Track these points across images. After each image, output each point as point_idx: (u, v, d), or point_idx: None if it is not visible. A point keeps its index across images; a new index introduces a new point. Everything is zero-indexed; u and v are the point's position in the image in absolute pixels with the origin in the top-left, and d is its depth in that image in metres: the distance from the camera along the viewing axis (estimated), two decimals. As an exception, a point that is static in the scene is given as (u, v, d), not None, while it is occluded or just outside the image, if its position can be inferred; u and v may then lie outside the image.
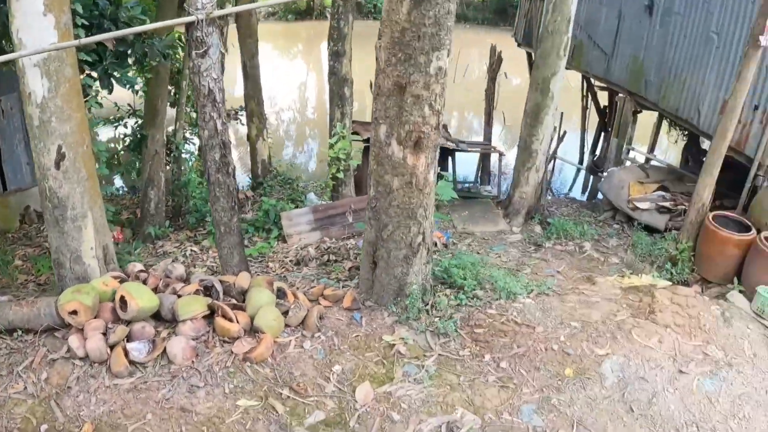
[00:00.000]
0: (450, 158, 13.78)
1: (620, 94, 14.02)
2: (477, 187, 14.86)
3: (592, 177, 16.35)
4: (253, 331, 6.71)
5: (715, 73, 10.78)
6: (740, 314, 7.76)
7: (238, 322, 6.61)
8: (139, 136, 11.72)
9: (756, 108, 9.77)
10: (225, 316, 6.61)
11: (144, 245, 11.05)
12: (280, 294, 7.24)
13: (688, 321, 7.26)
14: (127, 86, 8.51)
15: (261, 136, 14.86)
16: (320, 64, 33.65)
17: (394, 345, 6.75)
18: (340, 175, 11.30)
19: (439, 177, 9.01)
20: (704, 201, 9.04)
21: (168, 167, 11.43)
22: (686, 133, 15.03)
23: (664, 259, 9.53)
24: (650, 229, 11.49)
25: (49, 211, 6.75)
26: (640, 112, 14.71)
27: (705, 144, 13.81)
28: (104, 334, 6.31)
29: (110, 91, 8.33)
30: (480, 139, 16.42)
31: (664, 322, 7.20)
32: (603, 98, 16.83)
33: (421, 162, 6.44)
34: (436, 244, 10.03)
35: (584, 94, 17.49)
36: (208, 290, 7.14)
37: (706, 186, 8.97)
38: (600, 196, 13.74)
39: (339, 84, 11.79)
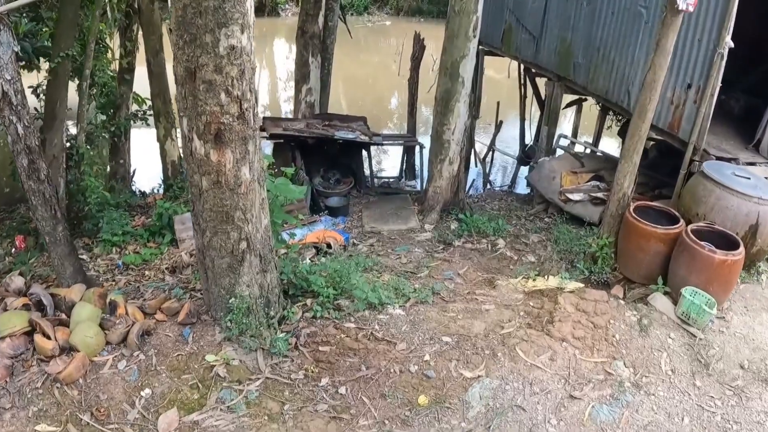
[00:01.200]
0: (365, 152, 12.60)
1: (550, 79, 12.93)
2: (399, 182, 13.71)
3: (525, 168, 15.30)
4: (70, 349, 5.88)
5: (645, 51, 9.72)
6: (661, 321, 6.71)
7: (56, 339, 5.81)
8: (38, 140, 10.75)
9: (689, 87, 8.74)
10: (43, 333, 5.85)
11: (41, 254, 10.11)
12: (112, 308, 6.32)
13: (592, 332, 6.15)
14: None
15: (169, 137, 13.79)
16: (273, 62, 32.85)
17: (214, 366, 5.66)
18: None
19: (290, 176, 7.75)
20: (625, 190, 7.94)
21: (69, 172, 10.39)
22: (620, 117, 14.01)
23: (583, 256, 8.43)
24: (584, 222, 10.46)
25: None
26: (578, 102, 13.72)
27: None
28: None
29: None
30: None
31: (561, 333, 6.08)
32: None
33: (227, 158, 5.43)
34: (330, 246, 8.91)
35: (522, 81, 16.38)
36: (40, 304, 6.36)
37: (627, 174, 7.88)
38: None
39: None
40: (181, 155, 12.00)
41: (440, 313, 6.41)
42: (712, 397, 5.66)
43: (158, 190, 14.00)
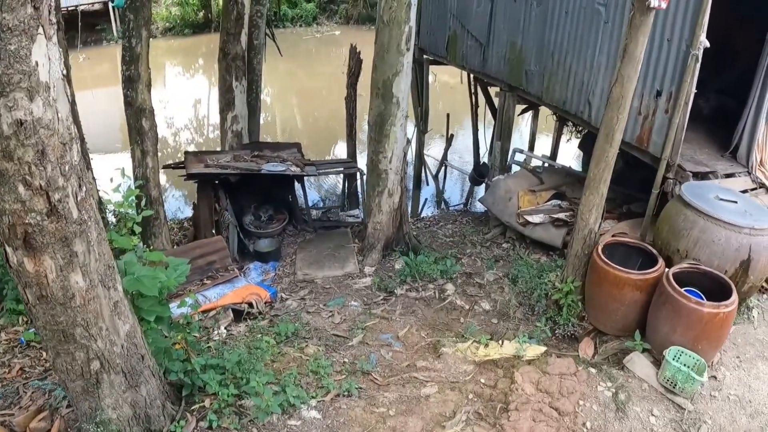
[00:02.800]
0: (300, 185, 11.25)
1: (501, 89, 11.71)
2: (340, 213, 12.35)
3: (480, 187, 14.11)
4: None
5: (606, 55, 8.57)
6: (642, 391, 5.51)
7: None
8: None
9: (659, 94, 7.59)
10: None
11: None
12: None
13: (556, 425, 4.87)
14: None
15: None
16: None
17: None
18: (137, 229, 8.69)
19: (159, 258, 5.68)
20: (591, 227, 6.69)
21: None
22: (580, 129, 12.86)
23: (545, 301, 7.22)
24: (546, 247, 9.30)
25: None
26: (530, 109, 12.55)
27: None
28: None
29: None
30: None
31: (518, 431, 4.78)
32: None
33: (46, 267, 4.07)
34: (252, 305, 7.59)
35: (472, 90, 15.17)
36: None
37: (593, 207, 6.63)
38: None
39: (135, 116, 9.30)
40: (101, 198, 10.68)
41: (367, 410, 5.10)
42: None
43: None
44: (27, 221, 3.85)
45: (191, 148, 19.55)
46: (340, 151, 19.40)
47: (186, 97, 26.40)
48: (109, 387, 4.68)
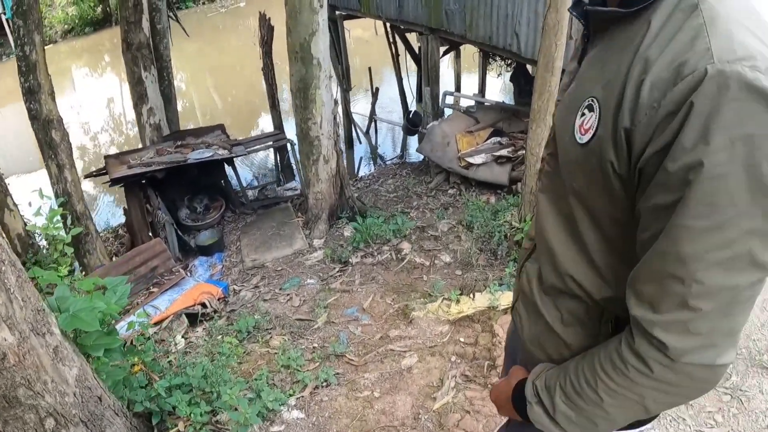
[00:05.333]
0: (231, 168, 10.71)
1: (422, 33, 11.31)
2: (278, 188, 11.87)
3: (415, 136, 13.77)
4: None
5: (527, -18, 8.27)
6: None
7: None
8: None
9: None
10: None
11: None
12: None
13: (548, 373, 4.60)
14: None
15: (5, 207, 11.10)
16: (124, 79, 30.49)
17: None
18: (68, 250, 8.04)
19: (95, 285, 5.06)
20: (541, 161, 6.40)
21: None
22: (509, 62, 12.58)
23: (506, 242, 6.97)
24: (493, 186, 9.07)
25: None
26: (453, 50, 12.21)
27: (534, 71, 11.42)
28: None
29: None
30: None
31: (512, 388, 4.50)
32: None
33: None
34: (205, 305, 7.17)
35: (391, 39, 14.74)
36: None
37: (541, 140, 6.35)
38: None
39: (44, 129, 8.60)
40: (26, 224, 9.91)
41: (350, 397, 4.75)
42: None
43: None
44: None
45: (112, 151, 18.72)
46: (265, 124, 18.84)
47: (98, 97, 25.36)
48: None
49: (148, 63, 11.40)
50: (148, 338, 5.61)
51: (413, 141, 15.18)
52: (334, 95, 8.62)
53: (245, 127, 18.53)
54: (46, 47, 8.84)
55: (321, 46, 8.08)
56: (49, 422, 3.85)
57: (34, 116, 8.76)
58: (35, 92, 8.66)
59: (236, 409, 4.49)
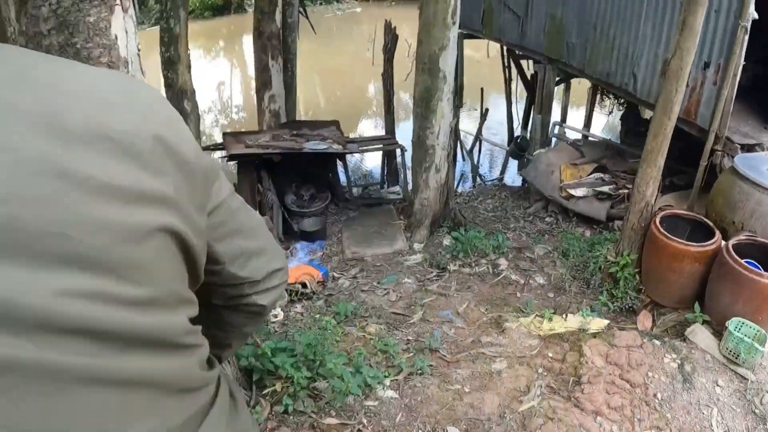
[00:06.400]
0: (340, 162, 11.25)
1: (540, 63, 11.63)
2: (381, 190, 12.34)
3: (521, 161, 14.03)
4: None
5: (651, 25, 8.51)
6: (705, 362, 5.50)
7: None
8: None
9: (707, 66, 7.56)
10: None
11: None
12: None
13: (630, 396, 4.92)
14: None
15: None
16: (243, 59, 31.48)
17: None
18: None
19: None
20: (648, 199, 6.67)
21: None
22: (622, 101, 12.77)
23: (600, 274, 7.23)
24: (590, 221, 9.30)
25: None
26: (565, 81, 12.47)
27: (646, 113, 11.58)
28: None
29: None
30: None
31: (594, 404, 4.83)
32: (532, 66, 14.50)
33: None
34: (305, 286, 7.64)
35: (506, 63, 15.09)
36: None
37: (650, 180, 6.60)
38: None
39: (177, 98, 9.28)
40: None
41: (442, 387, 5.15)
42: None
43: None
44: None
45: (217, 131, 19.59)
46: (366, 128, 19.41)
47: (210, 80, 26.36)
48: None
49: (275, 53, 12.04)
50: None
51: (512, 165, 15.48)
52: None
53: (345, 128, 19.10)
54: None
55: (449, 61, 8.53)
56: None
57: (169, 85, 9.43)
58: (174, 63, 9.32)
59: (339, 379, 4.93)
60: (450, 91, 8.71)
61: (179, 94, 9.31)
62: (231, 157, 9.97)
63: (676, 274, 6.35)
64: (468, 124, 17.59)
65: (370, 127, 20.81)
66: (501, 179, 14.81)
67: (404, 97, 20.87)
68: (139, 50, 3.65)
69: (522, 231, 9.49)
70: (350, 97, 23.29)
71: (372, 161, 15.31)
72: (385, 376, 5.25)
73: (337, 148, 10.25)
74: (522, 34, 11.90)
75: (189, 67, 9.52)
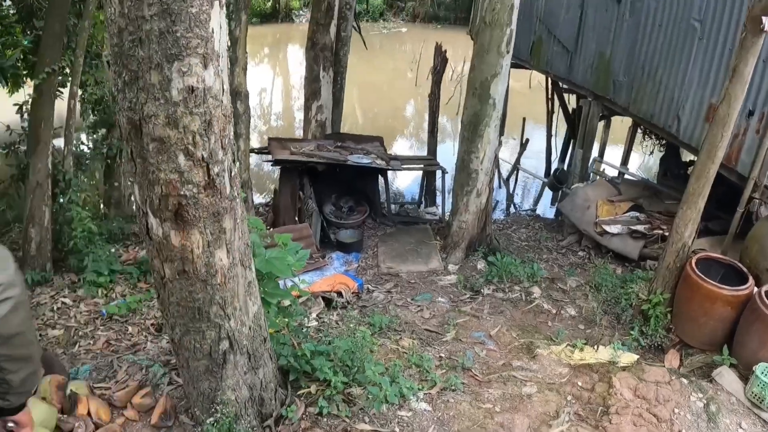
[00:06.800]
0: (382, 178, 11.46)
1: (586, 98, 11.78)
2: (419, 209, 12.53)
3: (557, 193, 14.15)
4: None
5: (699, 70, 8.64)
6: (730, 404, 5.62)
7: None
8: (23, 165, 9.88)
9: (751, 114, 7.68)
10: None
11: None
12: (72, 403, 5.03)
13: (656, 430, 5.04)
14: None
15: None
16: (286, 68, 31.91)
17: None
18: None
19: (286, 243, 5.66)
20: (685, 240, 6.82)
21: (55, 201, 9.36)
22: (663, 142, 12.87)
23: (631, 311, 7.35)
24: (622, 258, 9.40)
25: None
26: (607, 117, 12.60)
27: (686, 155, 11.69)
28: None
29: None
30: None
31: (622, 434, 4.97)
32: (574, 100, 14.64)
33: (194, 241, 3.97)
34: (341, 294, 7.84)
35: (549, 95, 15.26)
36: None
37: (689, 221, 6.75)
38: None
39: (231, 99, 9.51)
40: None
41: (474, 405, 5.31)
42: None
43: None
44: (182, 193, 3.74)
45: (255, 135, 19.91)
46: (400, 147, 19.61)
47: (251, 84, 26.69)
48: (233, 368, 4.64)
49: (327, 64, 12.34)
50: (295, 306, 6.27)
51: (546, 196, 15.61)
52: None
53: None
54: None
55: (500, 88, 8.76)
56: (224, 344, 4.51)
57: (225, 85, 9.68)
58: (232, 64, 9.60)
59: (376, 386, 5.10)
60: (498, 118, 8.93)
61: (234, 95, 9.57)
62: (276, 162, 10.23)
63: (707, 316, 6.49)
64: (505, 153, 17.74)
65: (405, 146, 21.02)
66: (534, 210, 14.94)
67: (442, 119, 21.08)
68: (228, 46, 3.76)
69: (555, 262, 9.62)
70: (388, 114, 23.53)
71: (409, 180, 15.50)
72: (419, 389, 5.41)
73: (380, 163, 10.48)
74: (569, 68, 12.08)
75: (245, 69, 9.79)
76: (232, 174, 3.98)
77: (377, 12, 39.91)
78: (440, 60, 12.61)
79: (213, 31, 3.49)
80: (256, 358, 4.83)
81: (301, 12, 40.88)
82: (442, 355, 6.34)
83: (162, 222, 3.86)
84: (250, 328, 4.67)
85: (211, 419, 4.66)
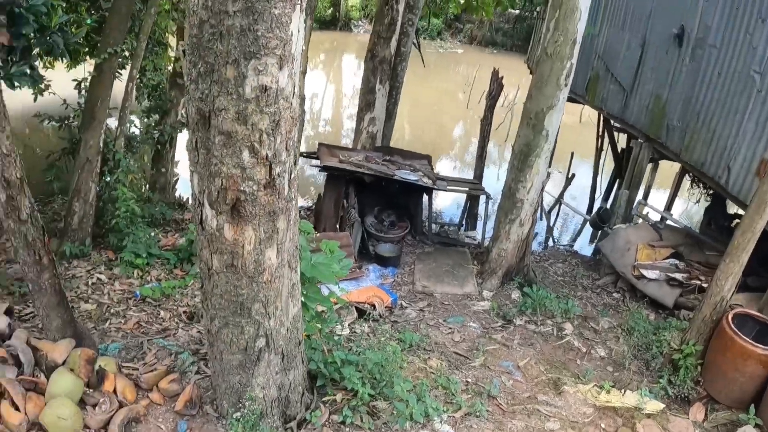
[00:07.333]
0: (426, 196, 11.50)
1: (637, 139, 11.74)
2: (459, 231, 12.53)
3: (597, 231, 14.06)
4: (40, 426, 4.80)
5: (755, 123, 8.57)
6: (752, 465, 5.57)
7: (26, 412, 4.76)
8: (75, 140, 10.15)
9: (798, 168, 7.61)
10: (12, 401, 4.77)
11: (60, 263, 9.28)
12: (99, 378, 5.21)
13: (677, 483, 5.04)
14: (23, 86, 6.66)
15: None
16: (340, 76, 32.17)
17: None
18: None
19: (333, 250, 5.78)
20: (724, 294, 6.78)
21: (102, 179, 9.58)
22: (711, 192, 12.77)
23: (661, 358, 7.32)
24: (656, 304, 9.34)
25: None
26: (656, 161, 12.54)
27: (732, 207, 11.58)
28: None
29: (11, 87, 6.45)
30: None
31: (642, 483, 4.97)
32: (623, 139, 14.57)
33: (246, 236, 4.08)
34: (374, 307, 7.92)
35: (599, 133, 15.22)
36: (17, 358, 5.18)
37: (730, 275, 6.71)
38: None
39: None
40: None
41: (497, 434, 5.35)
42: None
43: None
44: (242, 188, 3.84)
45: (302, 140, 20.05)
46: (443, 168, 19.62)
47: (305, 89, 26.88)
48: (266, 366, 4.76)
49: (384, 77, 12.45)
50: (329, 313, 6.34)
51: (585, 233, 15.53)
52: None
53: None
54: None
55: (554, 120, 8.78)
56: (260, 341, 4.64)
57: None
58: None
59: (403, 402, 5.16)
60: (549, 150, 8.95)
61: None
62: (324, 168, 10.33)
63: (738, 373, 6.45)
64: (549, 185, 17.64)
65: (448, 166, 21.02)
66: (572, 245, 14.87)
67: (489, 144, 21.06)
68: (303, 50, 3.83)
69: (588, 301, 9.59)
70: (435, 132, 23.55)
71: (450, 201, 15.51)
72: (444, 411, 5.45)
73: (426, 182, 10.53)
74: (624, 108, 12.04)
75: (304, 73, 9.91)
76: (292, 176, 4.09)
77: (435, 31, 40.06)
78: (496, 86, 12.66)
79: (292, 34, 3.61)
80: (289, 359, 4.95)
81: (360, 22, 41.22)
82: (469, 380, 6.38)
83: (218, 214, 3.98)
84: (287, 330, 4.80)
85: (238, 414, 4.78)
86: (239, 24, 3.43)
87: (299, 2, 3.59)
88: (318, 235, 9.37)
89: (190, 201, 12.77)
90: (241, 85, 3.57)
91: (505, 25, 40.70)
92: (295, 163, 4.11)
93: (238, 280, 4.27)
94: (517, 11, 32.90)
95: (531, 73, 15.13)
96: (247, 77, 3.55)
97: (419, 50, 15.30)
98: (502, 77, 12.70)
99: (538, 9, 19.68)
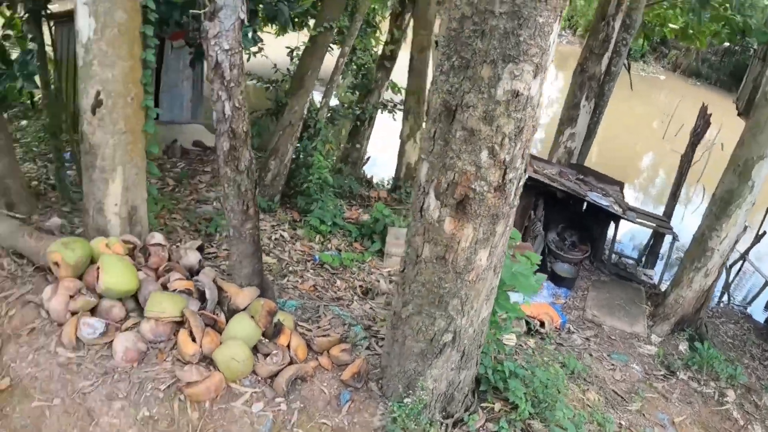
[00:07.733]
0: (613, 224, 11.38)
1: None
2: (637, 267, 12.33)
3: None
4: (212, 360, 5.28)
5: None
6: None
7: (201, 345, 5.25)
8: (281, 102, 11.12)
9: None
10: (190, 332, 5.29)
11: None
12: (276, 331, 5.66)
13: None
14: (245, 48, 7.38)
15: (413, 138, 13.16)
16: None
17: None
18: None
19: (534, 263, 5.94)
20: None
21: (300, 143, 10.28)
22: None
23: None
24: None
25: (83, 155, 6.06)
26: None
27: None
28: (73, 297, 5.40)
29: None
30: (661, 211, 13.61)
31: None
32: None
33: (465, 233, 4.22)
34: (543, 324, 8.09)
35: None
36: (202, 295, 5.78)
37: None
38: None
39: None
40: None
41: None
42: None
43: (384, 187, 13.73)
44: (473, 186, 3.96)
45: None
46: (625, 198, 19.10)
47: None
48: (445, 361, 4.93)
49: (590, 94, 12.42)
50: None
51: (763, 297, 14.85)
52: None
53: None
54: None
55: (763, 172, 8.42)
56: (447, 336, 4.82)
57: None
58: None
59: (563, 430, 5.32)
60: (751, 202, 8.64)
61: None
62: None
63: None
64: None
65: (631, 197, 20.44)
66: (746, 307, 14.30)
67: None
68: (552, 61, 3.94)
69: (755, 372, 9.31)
70: (624, 158, 22.87)
71: (632, 233, 15.23)
72: (594, 447, 5.59)
73: (617, 209, 10.46)
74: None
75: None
76: (519, 183, 4.20)
77: (638, 53, 38.72)
78: (703, 123, 12.20)
79: (551, 44, 3.70)
80: (467, 359, 5.15)
81: (563, 32, 40.41)
82: (623, 423, 6.49)
83: (442, 206, 4.16)
84: (474, 330, 4.98)
85: (408, 399, 5.04)
86: (503, 26, 3.53)
87: (560, 14, 3.66)
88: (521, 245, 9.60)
89: (374, 180, 13.33)
90: (494, 86, 3.68)
91: (712, 57, 38.47)
92: (525, 171, 4.21)
93: (444, 273, 4.43)
94: (727, 44, 31.34)
95: (738, 113, 14.61)
96: (501, 79, 3.65)
97: (629, 72, 15.00)
98: (710, 114, 12.26)
99: (755, 47, 18.67)
